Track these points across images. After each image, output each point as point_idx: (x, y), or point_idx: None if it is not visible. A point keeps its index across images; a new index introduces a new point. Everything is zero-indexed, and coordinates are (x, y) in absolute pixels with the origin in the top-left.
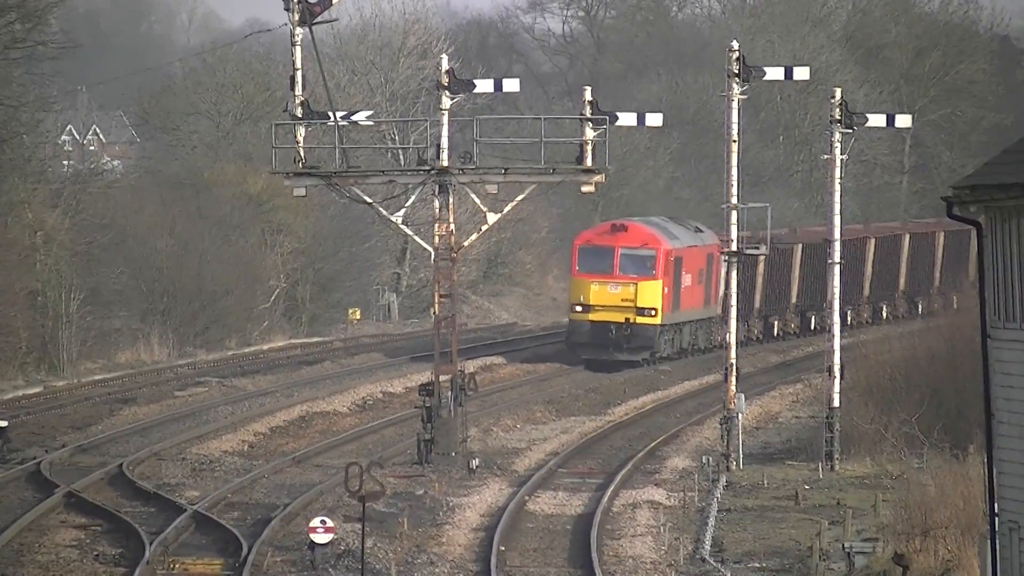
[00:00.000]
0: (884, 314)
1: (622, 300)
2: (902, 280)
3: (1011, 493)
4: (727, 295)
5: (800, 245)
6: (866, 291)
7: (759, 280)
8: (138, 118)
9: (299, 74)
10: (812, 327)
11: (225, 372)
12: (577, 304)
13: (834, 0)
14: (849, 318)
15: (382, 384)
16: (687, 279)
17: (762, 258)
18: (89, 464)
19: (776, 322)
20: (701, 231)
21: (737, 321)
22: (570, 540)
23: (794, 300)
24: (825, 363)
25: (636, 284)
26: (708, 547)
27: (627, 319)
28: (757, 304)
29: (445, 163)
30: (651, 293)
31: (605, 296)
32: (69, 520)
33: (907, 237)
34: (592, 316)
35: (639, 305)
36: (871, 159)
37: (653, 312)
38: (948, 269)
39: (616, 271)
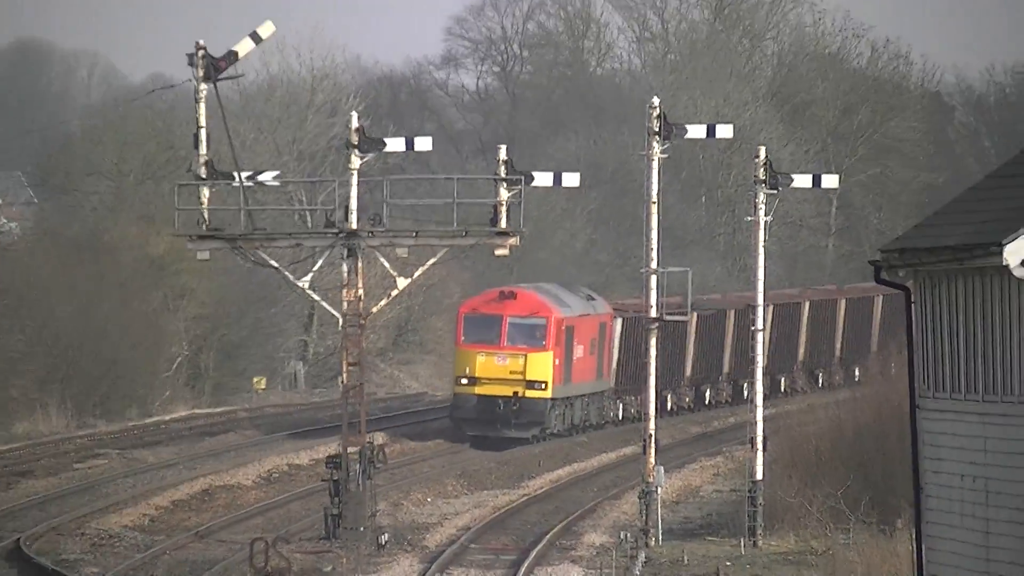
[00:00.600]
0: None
1: (510, 372)
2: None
3: (940, 570)
4: (647, 363)
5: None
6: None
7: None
8: (36, 178)
9: (203, 132)
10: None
11: (125, 443)
12: (462, 376)
13: (759, 55)
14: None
15: (288, 456)
16: (579, 350)
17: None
18: None
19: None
20: (593, 298)
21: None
22: None
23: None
24: (748, 434)
25: (525, 355)
26: None
27: (516, 392)
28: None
29: (354, 225)
30: (541, 365)
31: (492, 368)
32: None
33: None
34: (478, 389)
35: (528, 378)
36: (797, 220)
37: (543, 385)
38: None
39: (504, 341)
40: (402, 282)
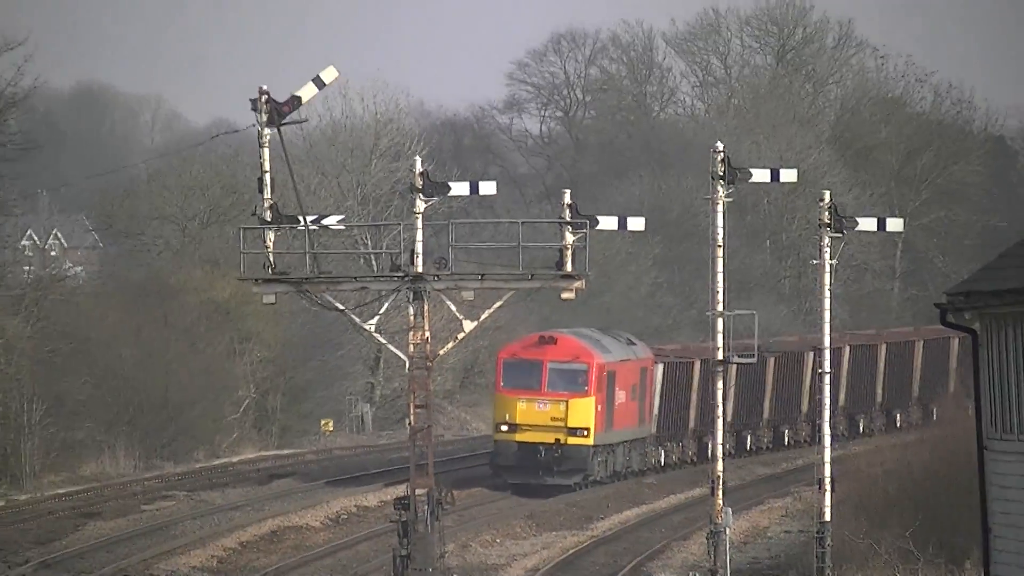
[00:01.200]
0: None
1: (551, 419)
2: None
3: None
4: (714, 405)
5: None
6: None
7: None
8: (100, 222)
9: (267, 176)
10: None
11: (193, 485)
12: (502, 423)
13: (822, 100)
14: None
15: (356, 498)
16: (621, 395)
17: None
18: None
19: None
20: (633, 343)
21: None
22: None
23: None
24: (815, 475)
25: (567, 401)
26: None
27: (557, 440)
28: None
29: (419, 269)
30: (583, 411)
31: (533, 414)
32: None
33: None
34: (519, 436)
35: (570, 424)
36: (862, 264)
37: (585, 432)
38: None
39: (545, 387)
40: (468, 325)
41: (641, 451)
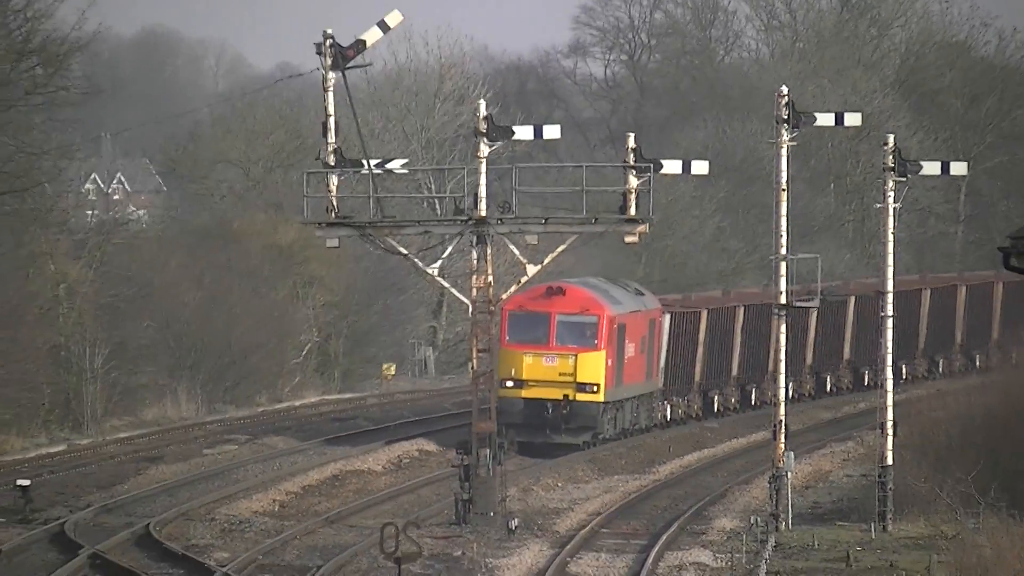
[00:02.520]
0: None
1: (560, 374)
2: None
3: None
4: (776, 350)
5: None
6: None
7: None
8: (164, 166)
9: (331, 120)
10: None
11: (255, 429)
12: (507, 379)
13: (886, 44)
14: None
15: (418, 442)
16: (630, 349)
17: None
18: (115, 525)
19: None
20: (642, 294)
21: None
22: None
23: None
24: (877, 420)
25: (576, 356)
26: None
27: (565, 396)
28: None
29: (483, 213)
30: (593, 366)
31: (540, 370)
32: None
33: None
34: (525, 392)
35: (579, 380)
36: (925, 208)
37: (595, 388)
38: (1006, 322)
39: (553, 341)
40: (532, 269)
41: (649, 407)
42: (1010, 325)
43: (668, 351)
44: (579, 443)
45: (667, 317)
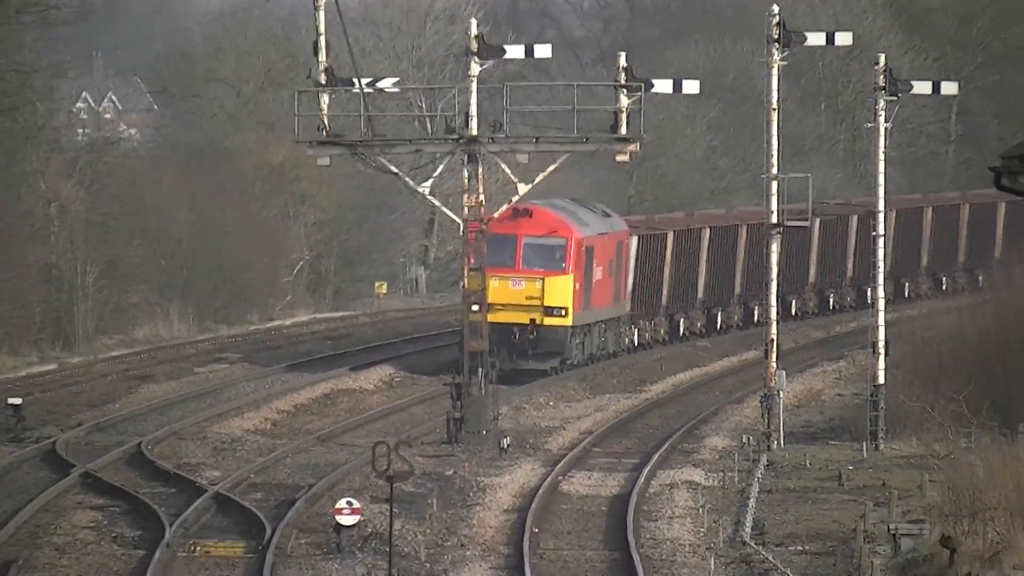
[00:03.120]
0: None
1: (527, 298)
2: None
3: None
4: (767, 269)
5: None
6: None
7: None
8: (156, 85)
9: (322, 39)
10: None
11: (247, 348)
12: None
13: None
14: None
15: (410, 360)
16: (598, 272)
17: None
18: (106, 443)
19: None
20: (608, 215)
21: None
22: (605, 522)
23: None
24: (869, 339)
25: (543, 279)
26: (749, 529)
27: (532, 320)
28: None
29: (474, 132)
30: (561, 290)
31: (506, 293)
32: (86, 501)
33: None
34: (491, 317)
35: (547, 304)
36: (916, 128)
37: (563, 312)
38: (1009, 241)
39: (519, 264)
40: (523, 188)
41: (616, 331)
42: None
43: (636, 274)
44: (546, 369)
45: (634, 239)
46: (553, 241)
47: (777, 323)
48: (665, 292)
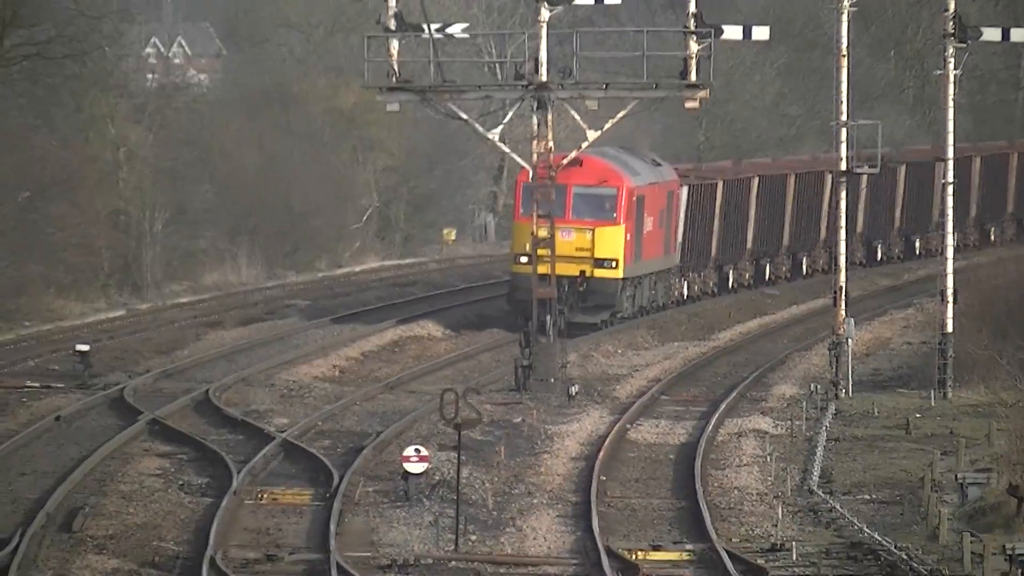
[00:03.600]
0: (992, 237)
1: (577, 249)
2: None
3: None
4: (834, 216)
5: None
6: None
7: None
8: (225, 30)
9: None
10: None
11: (315, 295)
12: (522, 254)
13: None
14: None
15: (478, 307)
16: (649, 223)
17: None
18: (174, 390)
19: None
20: (659, 164)
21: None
22: (673, 470)
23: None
24: (938, 287)
25: (594, 230)
26: (816, 478)
27: (583, 272)
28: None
29: (544, 78)
30: (612, 241)
31: (556, 244)
32: (153, 448)
33: (1015, 156)
34: (540, 269)
35: (597, 255)
36: (986, 75)
37: (614, 264)
38: None
39: (569, 214)
40: (592, 134)
41: (666, 283)
42: None
43: (686, 225)
44: (597, 322)
45: (685, 189)
46: (604, 191)
47: (846, 270)
48: (715, 244)
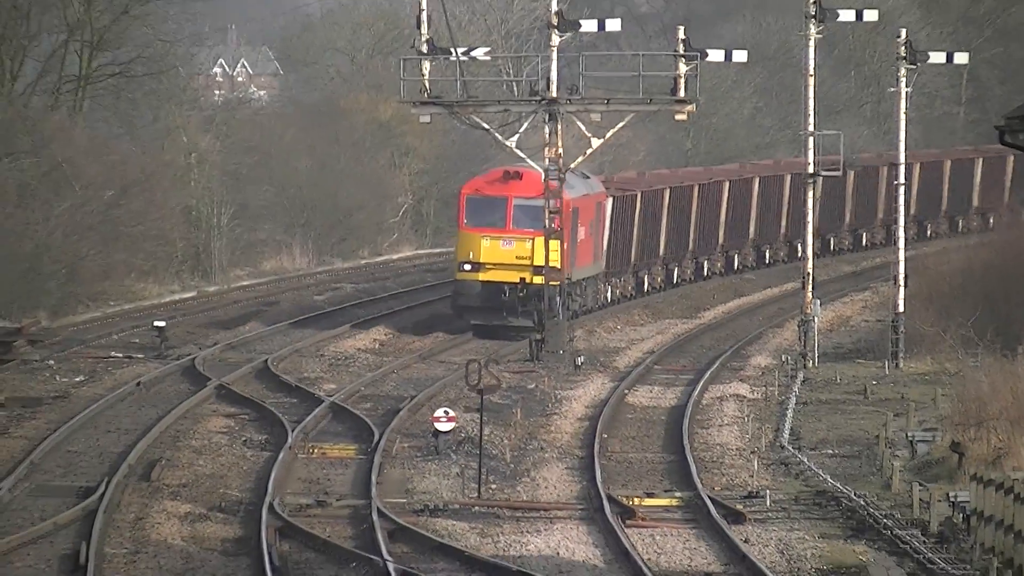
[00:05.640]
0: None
1: (517, 258)
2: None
3: None
4: (805, 213)
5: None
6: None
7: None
8: (281, 53)
9: (424, 14)
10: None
11: (358, 278)
12: (465, 262)
13: None
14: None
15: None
16: (582, 232)
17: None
18: (237, 360)
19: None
20: (588, 177)
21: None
22: (664, 429)
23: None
24: (891, 272)
25: (533, 240)
26: (787, 436)
27: (522, 279)
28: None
29: (554, 94)
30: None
31: (498, 253)
32: (220, 409)
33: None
34: (483, 276)
35: (537, 263)
36: (932, 92)
37: None
38: (1017, 188)
39: (510, 225)
40: (595, 142)
41: (595, 288)
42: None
43: (611, 233)
44: (535, 326)
45: (610, 200)
46: (542, 203)
47: (814, 258)
48: (634, 250)
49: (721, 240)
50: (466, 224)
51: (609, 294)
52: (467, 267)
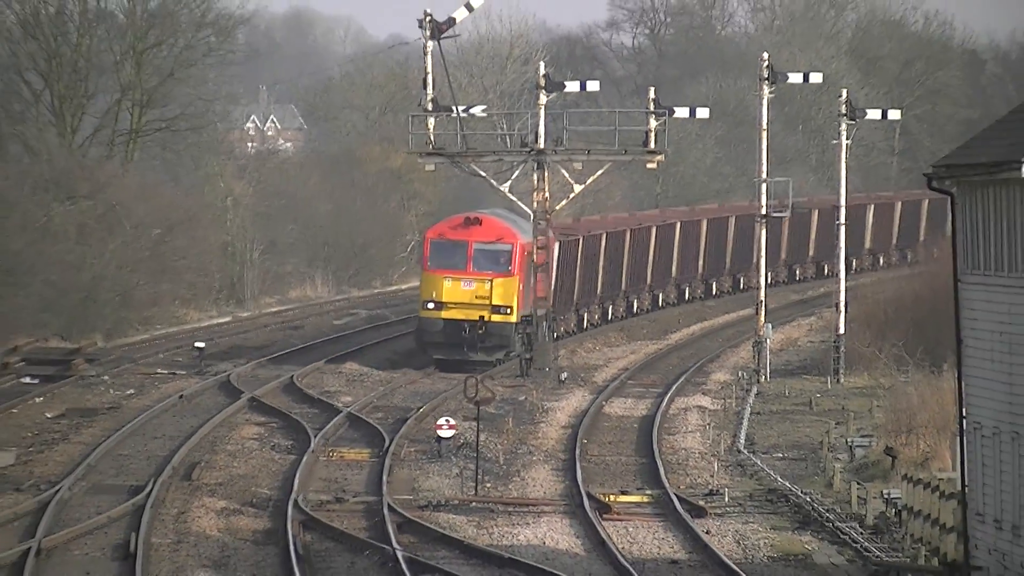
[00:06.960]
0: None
1: (476, 297)
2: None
3: (975, 401)
4: (757, 249)
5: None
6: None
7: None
8: (306, 110)
9: (429, 77)
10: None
11: (372, 305)
12: (429, 301)
13: (841, 21)
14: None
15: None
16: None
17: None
18: (267, 376)
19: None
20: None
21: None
22: (636, 435)
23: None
24: (834, 300)
25: (491, 281)
26: (743, 441)
27: (481, 317)
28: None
29: (542, 146)
30: (507, 290)
31: (459, 293)
32: (251, 419)
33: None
34: (445, 314)
35: (495, 303)
36: (869, 144)
37: (509, 310)
38: (931, 228)
39: (470, 267)
40: (577, 187)
41: (543, 325)
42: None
43: (557, 275)
44: (492, 361)
45: (558, 244)
46: (500, 247)
47: (766, 288)
48: (576, 290)
49: (674, 274)
50: (430, 266)
51: (555, 332)
52: (431, 305)
